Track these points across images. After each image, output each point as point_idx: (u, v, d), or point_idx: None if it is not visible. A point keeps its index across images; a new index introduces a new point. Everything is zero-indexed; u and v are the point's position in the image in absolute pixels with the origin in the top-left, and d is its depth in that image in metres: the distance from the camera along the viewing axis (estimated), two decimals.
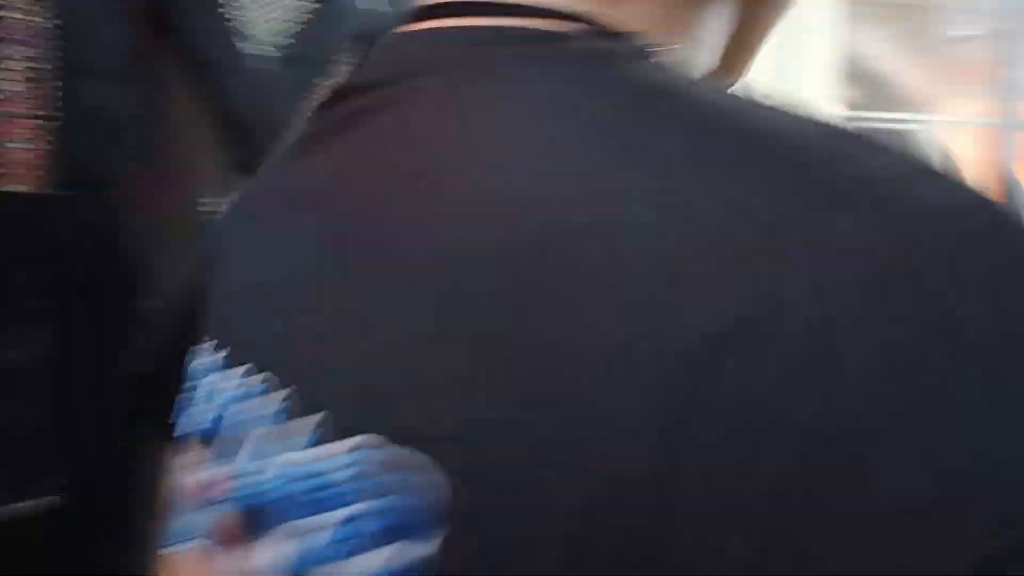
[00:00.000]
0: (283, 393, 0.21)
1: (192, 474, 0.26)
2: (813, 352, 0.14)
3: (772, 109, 0.18)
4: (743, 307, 0.14)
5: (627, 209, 0.16)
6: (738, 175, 0.16)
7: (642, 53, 0.21)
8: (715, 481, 0.14)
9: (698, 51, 0.24)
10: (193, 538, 0.24)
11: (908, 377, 0.14)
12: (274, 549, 0.20)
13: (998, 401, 0.14)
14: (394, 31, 0.25)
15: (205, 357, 0.26)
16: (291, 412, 0.21)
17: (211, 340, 0.26)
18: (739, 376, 0.14)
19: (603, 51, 0.20)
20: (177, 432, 0.27)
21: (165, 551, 0.27)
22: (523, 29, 0.21)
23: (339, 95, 0.25)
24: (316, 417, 0.20)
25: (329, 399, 0.20)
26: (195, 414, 0.26)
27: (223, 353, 0.25)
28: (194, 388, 0.26)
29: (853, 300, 0.14)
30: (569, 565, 0.15)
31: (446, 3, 0.23)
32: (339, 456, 0.18)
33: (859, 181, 0.15)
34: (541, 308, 0.16)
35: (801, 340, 0.14)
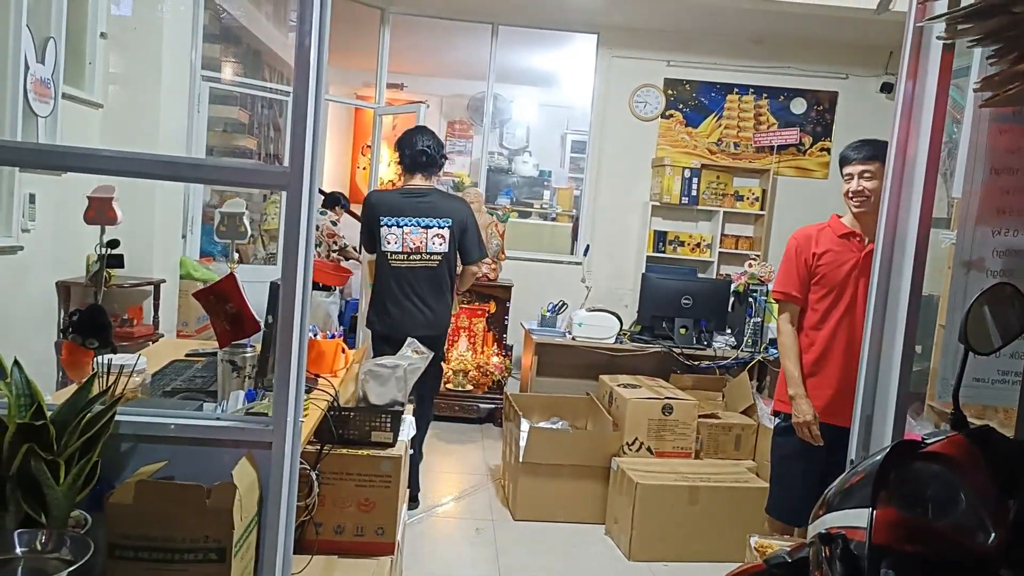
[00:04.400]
0: (412, 219, 3.37)
1: (393, 241, 3.39)
2: (463, 219, 3.42)
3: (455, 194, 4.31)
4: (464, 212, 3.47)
5: (455, 203, 3.54)
6: (453, 199, 3.65)
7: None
8: (463, 231, 3.42)
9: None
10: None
11: (469, 221, 3.44)
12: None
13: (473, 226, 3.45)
14: (405, 186, 3.50)
15: (386, 220, 3.36)
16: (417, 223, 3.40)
17: (385, 217, 3.36)
18: (465, 222, 3.42)
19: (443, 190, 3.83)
20: (386, 237, 3.38)
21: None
22: (430, 188, 3.46)
23: (398, 191, 3.58)
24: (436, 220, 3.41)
25: (432, 219, 3.39)
26: (389, 232, 3.36)
27: (393, 217, 3.37)
28: (387, 226, 3.38)
29: (469, 215, 3.47)
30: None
31: (416, 185, 3.44)
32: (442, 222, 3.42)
33: (460, 200, 3.64)
34: (446, 212, 3.44)
35: (468, 218, 3.45)
